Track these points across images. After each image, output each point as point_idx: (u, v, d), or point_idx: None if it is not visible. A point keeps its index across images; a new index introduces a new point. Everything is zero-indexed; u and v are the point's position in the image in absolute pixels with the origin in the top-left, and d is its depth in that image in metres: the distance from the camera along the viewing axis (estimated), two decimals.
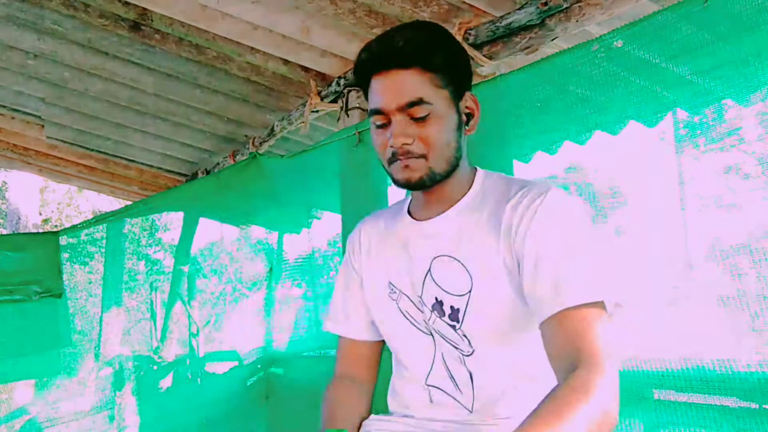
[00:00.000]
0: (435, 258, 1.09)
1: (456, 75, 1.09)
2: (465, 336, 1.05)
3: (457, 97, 1.09)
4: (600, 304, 0.94)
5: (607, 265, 0.98)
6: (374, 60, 1.07)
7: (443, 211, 1.11)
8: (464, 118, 1.11)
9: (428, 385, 1.11)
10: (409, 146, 1.04)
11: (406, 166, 1.05)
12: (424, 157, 1.05)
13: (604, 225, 1.60)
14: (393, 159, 1.06)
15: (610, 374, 0.88)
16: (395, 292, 1.15)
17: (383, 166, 1.12)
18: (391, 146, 1.05)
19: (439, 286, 1.08)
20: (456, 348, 1.07)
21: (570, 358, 0.90)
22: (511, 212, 1.03)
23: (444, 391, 1.09)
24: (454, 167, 1.08)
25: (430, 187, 1.08)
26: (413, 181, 1.05)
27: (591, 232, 1.02)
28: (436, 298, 1.08)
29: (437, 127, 1.05)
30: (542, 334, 0.97)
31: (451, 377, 1.08)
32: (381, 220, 1.26)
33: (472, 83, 1.20)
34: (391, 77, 1.05)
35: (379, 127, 1.08)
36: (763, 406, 1.31)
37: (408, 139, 1.04)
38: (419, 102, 1.03)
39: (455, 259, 1.07)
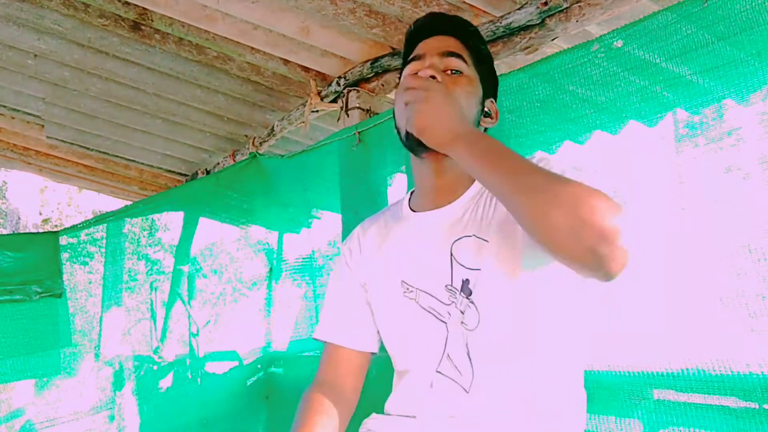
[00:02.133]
0: (455, 242, 1.07)
1: (488, 76, 1.16)
2: (472, 303, 1.03)
3: (485, 91, 1.14)
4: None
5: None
6: (431, 24, 1.14)
7: (455, 199, 1.11)
8: (485, 110, 1.15)
9: (437, 372, 1.07)
10: (434, 80, 1.05)
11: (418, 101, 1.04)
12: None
13: None
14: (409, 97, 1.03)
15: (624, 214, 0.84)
16: (412, 291, 1.11)
17: (398, 124, 1.11)
18: (420, 75, 1.06)
19: (462, 265, 1.06)
20: (462, 323, 1.04)
21: None
22: None
23: (444, 375, 1.06)
24: None
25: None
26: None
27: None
28: (462, 279, 1.05)
29: (464, 86, 1.09)
30: None
31: (449, 358, 1.06)
32: (380, 222, 1.24)
33: None
34: (440, 38, 1.13)
35: (410, 74, 1.10)
36: (763, 406, 1.31)
37: (438, 75, 1.06)
38: (458, 56, 1.10)
39: (476, 237, 1.06)
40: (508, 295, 1.01)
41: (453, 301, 1.06)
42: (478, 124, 1.13)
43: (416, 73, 1.09)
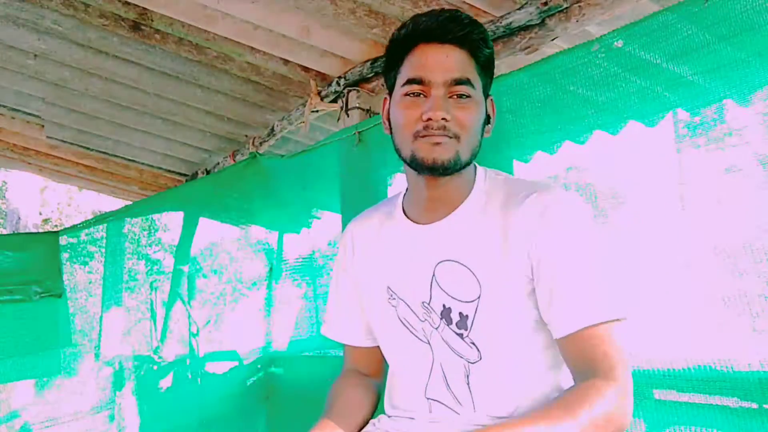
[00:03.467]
0: (439, 263, 1.05)
1: (489, 75, 1.08)
2: (474, 344, 1.02)
3: (485, 95, 1.07)
4: (616, 321, 0.95)
5: (622, 278, 1.00)
6: (433, 29, 1.01)
7: (447, 214, 1.07)
8: (487, 118, 1.08)
9: (428, 398, 1.07)
10: (446, 123, 0.99)
11: (438, 144, 0.99)
12: (457, 138, 1.00)
13: (608, 228, 1.60)
14: (421, 134, 1.00)
15: (622, 382, 0.91)
16: (394, 299, 1.10)
17: (399, 143, 1.05)
18: (429, 119, 0.98)
19: (446, 292, 1.04)
20: (461, 357, 1.03)
21: (587, 370, 0.93)
22: (523, 217, 1.00)
23: (443, 404, 1.05)
24: (471, 161, 1.05)
25: (450, 174, 1.02)
26: (439, 162, 0.99)
27: (602, 243, 1.01)
28: (444, 305, 1.04)
29: (474, 112, 1.01)
30: (559, 346, 0.97)
31: (450, 390, 1.04)
32: (374, 220, 1.20)
33: None
34: (444, 50, 1.01)
35: (410, 95, 1.02)
36: (763, 406, 1.31)
37: (448, 114, 0.98)
38: (467, 82, 1.00)
39: (461, 264, 1.03)
40: (508, 331, 1.01)
41: (426, 319, 1.06)
42: (482, 135, 1.07)
43: (422, 108, 1.01)
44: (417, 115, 1.00)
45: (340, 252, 1.25)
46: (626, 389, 0.91)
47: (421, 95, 1.01)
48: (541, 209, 0.99)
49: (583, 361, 0.94)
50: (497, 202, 1.05)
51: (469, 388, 1.02)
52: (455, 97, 1.00)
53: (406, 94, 1.02)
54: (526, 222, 0.99)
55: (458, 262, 1.03)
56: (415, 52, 1.03)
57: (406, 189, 1.16)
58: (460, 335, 1.02)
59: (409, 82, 1.01)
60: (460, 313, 1.02)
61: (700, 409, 1.38)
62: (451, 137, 0.99)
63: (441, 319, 1.04)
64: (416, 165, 1.02)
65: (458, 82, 0.99)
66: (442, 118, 0.98)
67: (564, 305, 0.95)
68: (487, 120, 1.08)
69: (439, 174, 1.02)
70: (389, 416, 1.15)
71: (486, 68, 1.05)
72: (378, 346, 1.20)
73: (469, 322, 1.01)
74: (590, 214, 1.07)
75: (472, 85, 1.01)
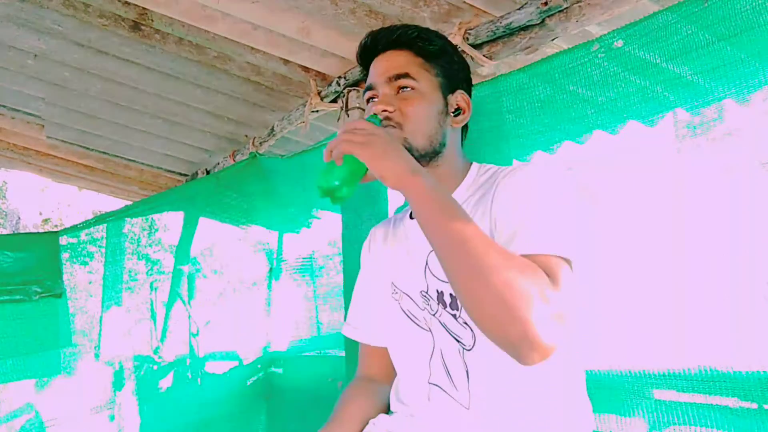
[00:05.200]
0: (430, 252, 1.09)
1: (448, 69, 1.17)
2: (466, 323, 1.04)
3: (447, 89, 1.16)
4: (562, 260, 0.94)
5: (572, 225, 0.98)
6: (373, 44, 1.18)
7: None
8: (451, 110, 1.16)
9: (429, 383, 1.10)
10: (389, 114, 1.10)
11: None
12: (399, 126, 1.09)
13: (607, 228, 1.61)
14: None
15: (561, 292, 0.88)
16: (397, 293, 1.16)
17: None
18: (374, 114, 1.10)
19: (437, 278, 1.09)
20: (458, 341, 1.05)
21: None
22: (495, 192, 1.05)
23: (441, 388, 1.08)
24: (435, 151, 1.12)
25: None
26: None
27: (561, 195, 1.01)
28: (437, 290, 1.08)
29: (418, 102, 1.11)
30: None
31: (448, 373, 1.07)
32: (390, 223, 1.29)
33: (473, 83, 1.22)
34: (385, 56, 1.16)
35: (369, 101, 1.17)
36: (763, 406, 1.31)
37: (389, 106, 1.10)
38: (404, 75, 1.12)
39: None
40: None
41: (426, 307, 1.10)
42: (450, 126, 1.15)
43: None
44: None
45: (362, 255, 1.33)
46: (560, 302, 0.87)
47: (374, 98, 1.16)
48: (509, 178, 1.05)
49: None
50: (483, 189, 1.10)
51: (467, 373, 1.05)
52: (400, 92, 1.12)
53: (367, 101, 1.18)
54: (497, 193, 1.04)
55: None
56: (370, 68, 1.19)
57: None
58: (454, 316, 1.06)
59: (366, 90, 1.18)
60: (451, 294, 1.06)
61: (700, 409, 1.38)
62: (394, 126, 1.09)
63: (438, 303, 1.09)
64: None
65: (397, 76, 1.12)
66: (383, 110, 1.10)
67: (505, 236, 0.96)
68: (456, 112, 1.17)
69: None
70: (389, 414, 1.17)
71: (437, 61, 1.15)
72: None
73: (459, 302, 1.03)
74: (561, 177, 1.06)
75: (414, 78, 1.12)
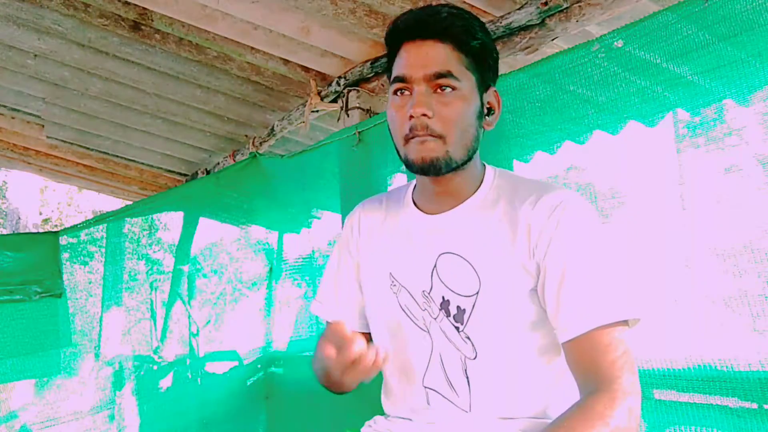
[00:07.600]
0: (441, 254, 1.05)
1: (485, 65, 1.06)
2: (468, 338, 1.02)
3: (482, 86, 1.05)
4: (624, 323, 0.94)
5: (630, 281, 0.97)
6: (412, 26, 1.02)
7: (453, 207, 1.07)
8: (485, 110, 1.07)
9: (426, 387, 1.06)
10: (428, 120, 0.98)
11: (423, 142, 0.99)
12: (442, 138, 0.99)
13: (608, 228, 1.60)
14: (409, 136, 1.00)
15: (629, 397, 0.89)
16: (395, 285, 1.10)
17: (396, 148, 1.06)
18: (411, 116, 0.99)
19: (445, 285, 1.04)
20: (458, 350, 1.03)
21: (592, 378, 0.91)
22: (530, 212, 1.00)
23: (440, 394, 1.05)
24: (470, 158, 1.04)
25: (443, 174, 1.02)
26: (428, 160, 0.99)
27: (612, 246, 1.00)
28: (443, 297, 1.04)
29: (460, 106, 1.00)
30: (565, 350, 0.97)
31: (448, 380, 1.04)
32: (383, 205, 1.21)
33: None
34: (425, 46, 1.01)
35: (397, 94, 1.03)
36: (764, 405, 1.31)
37: (429, 110, 0.98)
38: (448, 74, 0.99)
39: (462, 257, 1.03)
40: (503, 329, 1.00)
41: (426, 309, 1.06)
42: (481, 126, 1.05)
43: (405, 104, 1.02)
44: (403, 115, 1.01)
45: (345, 232, 1.24)
46: (631, 403, 0.89)
47: (406, 93, 1.02)
48: (549, 206, 0.99)
49: (588, 369, 0.92)
50: (505, 198, 1.05)
51: (467, 381, 1.02)
52: (439, 91, 1.00)
53: (394, 93, 1.04)
54: (535, 221, 0.99)
55: (460, 255, 1.03)
56: (400, 51, 1.04)
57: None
58: (456, 328, 1.03)
59: (395, 80, 1.03)
60: (458, 307, 1.02)
61: (700, 409, 1.38)
62: (436, 137, 0.99)
63: (440, 310, 1.04)
64: (410, 167, 1.03)
65: (439, 75, 0.99)
66: (423, 114, 0.98)
67: (570, 308, 0.95)
68: (488, 112, 1.08)
69: (432, 174, 1.02)
70: (387, 416, 1.15)
71: (478, 59, 1.04)
72: (366, 334, 1.17)
73: (465, 317, 1.01)
74: (598, 217, 1.05)
75: (456, 78, 1.00)
